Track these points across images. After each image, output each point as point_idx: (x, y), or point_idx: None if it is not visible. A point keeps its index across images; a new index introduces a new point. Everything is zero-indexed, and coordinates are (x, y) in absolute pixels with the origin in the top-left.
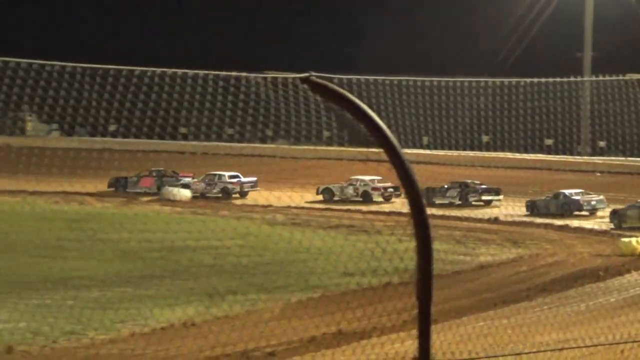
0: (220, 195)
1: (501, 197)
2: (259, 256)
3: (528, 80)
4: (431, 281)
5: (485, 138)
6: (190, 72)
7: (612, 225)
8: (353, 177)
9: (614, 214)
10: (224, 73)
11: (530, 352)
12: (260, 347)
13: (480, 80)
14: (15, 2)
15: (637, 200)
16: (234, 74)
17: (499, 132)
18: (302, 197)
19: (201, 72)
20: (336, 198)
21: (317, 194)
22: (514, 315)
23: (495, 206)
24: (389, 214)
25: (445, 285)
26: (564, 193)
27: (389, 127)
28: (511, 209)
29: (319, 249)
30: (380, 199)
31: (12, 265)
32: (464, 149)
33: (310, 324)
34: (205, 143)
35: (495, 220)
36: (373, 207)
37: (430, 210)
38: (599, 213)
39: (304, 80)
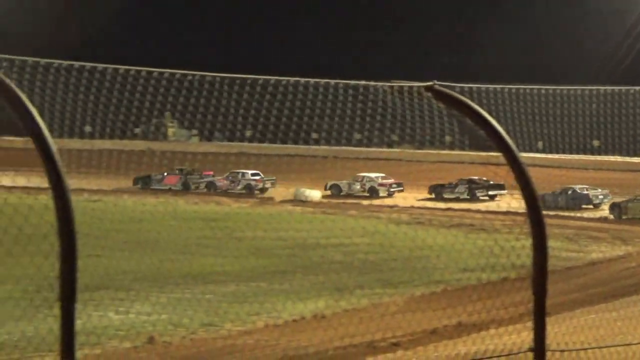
0: (244, 191)
1: (505, 192)
2: (385, 253)
3: (638, 88)
4: (546, 276)
5: (596, 142)
6: (322, 80)
7: (612, 217)
8: (359, 174)
9: (613, 207)
10: (354, 82)
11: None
12: (385, 338)
13: (593, 89)
14: (151, 18)
15: (637, 194)
16: (363, 83)
17: (610, 137)
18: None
19: (332, 81)
20: (343, 193)
21: (326, 189)
22: (623, 308)
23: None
24: (506, 213)
25: (558, 280)
26: (573, 188)
27: (507, 132)
28: (516, 202)
29: (441, 246)
30: (385, 194)
31: (155, 262)
32: (577, 153)
33: (432, 316)
34: (336, 147)
35: (606, 220)
36: (492, 207)
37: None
38: (603, 206)
39: (429, 88)
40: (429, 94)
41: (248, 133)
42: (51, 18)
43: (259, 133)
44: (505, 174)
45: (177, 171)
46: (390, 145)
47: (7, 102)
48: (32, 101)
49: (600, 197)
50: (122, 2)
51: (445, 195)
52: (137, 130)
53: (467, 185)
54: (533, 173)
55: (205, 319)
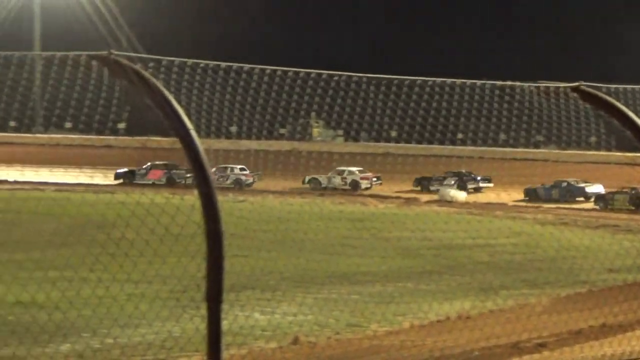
0: (232, 186)
1: (492, 184)
2: (531, 253)
3: None
4: None
5: None
6: (468, 81)
7: (597, 208)
8: (338, 168)
9: (599, 199)
10: (500, 83)
11: None
12: (531, 338)
13: None
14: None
15: (623, 187)
16: (509, 83)
17: None
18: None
19: (478, 82)
20: (323, 186)
21: (304, 183)
22: None
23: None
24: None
25: None
26: (567, 181)
27: None
28: (506, 195)
29: (586, 247)
30: (368, 186)
31: (301, 262)
32: None
33: (577, 317)
34: (482, 148)
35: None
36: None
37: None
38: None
39: (575, 89)
40: (575, 95)
41: (393, 133)
42: (198, 18)
43: (406, 134)
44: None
45: (161, 166)
46: (536, 146)
47: (154, 103)
48: (179, 102)
49: (594, 190)
50: (268, 1)
51: (433, 188)
52: (282, 131)
53: (456, 178)
54: None
55: (351, 319)
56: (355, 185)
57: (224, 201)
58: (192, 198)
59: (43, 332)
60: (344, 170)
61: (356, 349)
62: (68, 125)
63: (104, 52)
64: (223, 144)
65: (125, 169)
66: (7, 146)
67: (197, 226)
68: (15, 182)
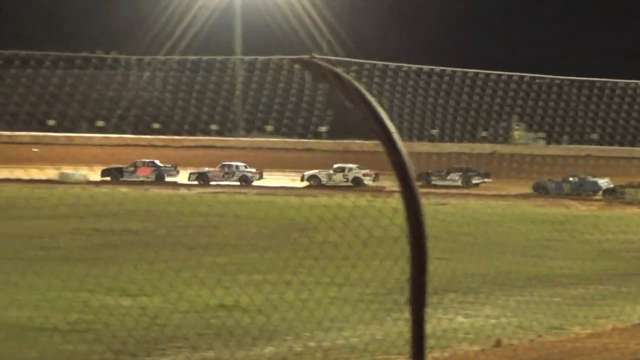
0: (237, 182)
1: (491, 179)
2: None
3: None
4: None
5: None
6: None
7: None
8: (336, 165)
9: (606, 192)
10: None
11: None
12: None
13: None
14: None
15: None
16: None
17: None
18: None
19: None
20: (323, 183)
21: (302, 180)
22: None
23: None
24: None
25: None
26: (578, 175)
27: None
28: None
29: None
30: (371, 183)
31: (502, 264)
32: None
33: None
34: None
35: None
36: None
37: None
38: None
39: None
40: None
41: (594, 136)
42: (397, 21)
43: (608, 136)
44: None
45: (149, 163)
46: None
47: (357, 106)
48: (381, 104)
49: (605, 184)
50: (468, 5)
51: (436, 183)
52: (484, 133)
53: (461, 173)
54: None
55: (553, 322)
56: (357, 181)
57: (427, 204)
58: (395, 201)
59: (246, 335)
60: (344, 167)
61: (558, 351)
62: (269, 128)
63: (306, 56)
64: (425, 146)
65: (112, 167)
66: (209, 149)
67: (400, 229)
68: (217, 186)
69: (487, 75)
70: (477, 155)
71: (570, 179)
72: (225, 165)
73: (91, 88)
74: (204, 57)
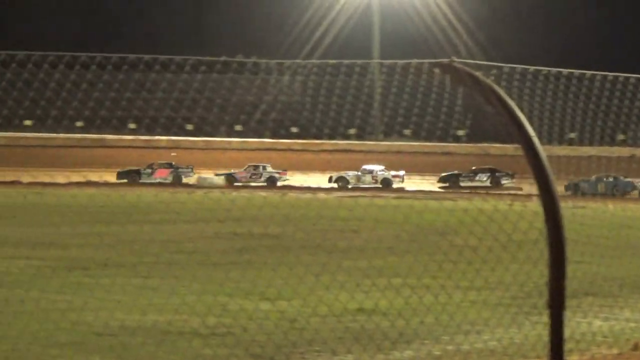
0: (265, 184)
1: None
2: None
3: None
4: None
5: None
6: None
7: None
8: (364, 166)
9: None
10: None
11: None
12: None
13: None
14: None
15: None
16: None
17: None
18: None
19: None
20: (350, 186)
21: (330, 182)
22: None
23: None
24: None
25: None
26: (612, 175)
27: None
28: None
29: None
30: (400, 185)
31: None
32: None
33: None
34: None
35: None
36: None
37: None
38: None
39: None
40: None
41: None
42: (537, 24)
43: None
44: None
45: (166, 165)
46: None
47: (495, 110)
48: (520, 108)
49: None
50: (611, 6)
51: (464, 184)
52: (622, 137)
53: (489, 174)
54: None
55: None
56: (387, 182)
57: (565, 207)
58: (534, 205)
59: (385, 339)
60: (372, 169)
61: None
62: (407, 132)
63: (446, 60)
64: (564, 150)
65: (128, 169)
66: (348, 153)
67: (539, 232)
68: (356, 189)
69: (627, 78)
70: (615, 159)
71: (609, 178)
72: (251, 166)
73: (231, 92)
74: (345, 61)
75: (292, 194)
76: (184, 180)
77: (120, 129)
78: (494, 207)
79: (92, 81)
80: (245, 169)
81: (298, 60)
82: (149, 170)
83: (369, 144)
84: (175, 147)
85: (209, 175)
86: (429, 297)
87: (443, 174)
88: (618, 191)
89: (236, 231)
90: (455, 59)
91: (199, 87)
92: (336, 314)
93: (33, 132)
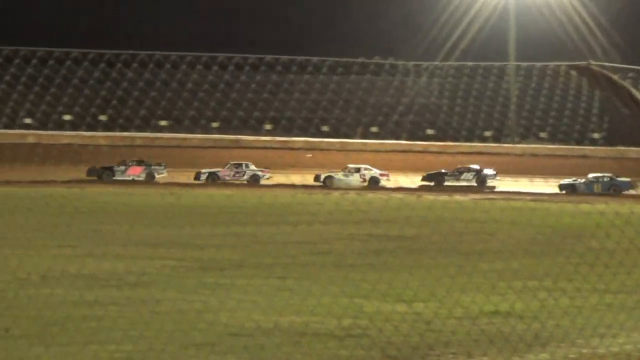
0: (245, 182)
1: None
2: None
3: None
4: None
5: None
6: None
7: None
8: (350, 165)
9: None
10: None
11: None
12: None
13: None
14: None
15: None
16: None
17: None
18: None
19: None
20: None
21: (318, 181)
22: None
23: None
24: None
25: None
26: (608, 175)
27: None
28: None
29: None
30: (388, 184)
31: None
32: None
33: None
34: None
35: None
36: None
37: None
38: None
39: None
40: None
41: None
42: None
43: None
44: None
45: (139, 162)
46: None
47: (635, 112)
48: None
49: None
50: None
51: (449, 184)
52: None
53: (474, 173)
54: None
55: None
56: (375, 181)
57: None
58: None
59: (521, 341)
60: (359, 168)
61: None
62: (544, 135)
63: (583, 62)
64: None
65: (102, 166)
66: (483, 156)
67: None
68: (493, 192)
69: None
70: None
71: (604, 178)
72: (234, 164)
73: (368, 94)
74: (482, 63)
75: (428, 196)
76: (157, 176)
77: (257, 129)
78: (630, 210)
79: (230, 82)
80: (227, 167)
81: (435, 62)
82: (123, 167)
83: (506, 146)
84: (312, 148)
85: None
86: (564, 299)
87: (427, 173)
88: (616, 191)
89: (372, 233)
90: (592, 62)
91: (336, 88)
92: (472, 316)
93: (170, 132)
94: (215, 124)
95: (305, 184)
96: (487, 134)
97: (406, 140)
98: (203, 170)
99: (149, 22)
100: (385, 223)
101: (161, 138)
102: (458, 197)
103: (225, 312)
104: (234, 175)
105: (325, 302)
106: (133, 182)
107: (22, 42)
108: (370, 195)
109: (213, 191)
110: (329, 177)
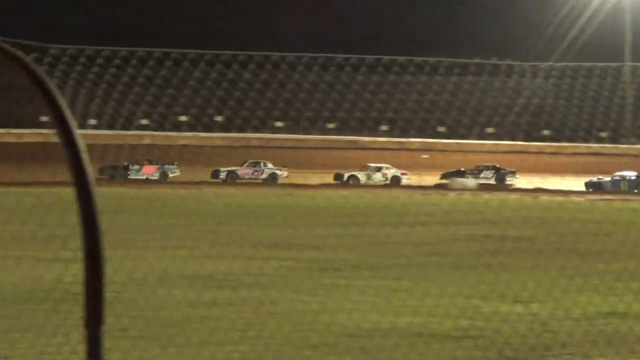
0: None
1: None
2: None
3: None
4: None
5: None
6: None
7: None
8: (371, 164)
9: None
10: None
11: None
12: None
13: None
14: None
15: None
16: None
17: None
18: None
19: None
20: (362, 183)
21: (342, 180)
22: None
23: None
24: None
25: None
26: (634, 174)
27: None
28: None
29: None
30: (408, 182)
31: None
32: None
33: None
34: None
35: None
36: None
37: None
38: None
39: None
40: None
41: None
42: None
43: None
44: None
45: (153, 161)
46: None
47: None
48: None
49: None
50: None
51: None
52: None
53: (493, 171)
54: None
55: None
56: (396, 180)
57: None
58: None
59: (638, 342)
60: (380, 167)
61: None
62: None
63: None
64: None
65: (113, 164)
66: (600, 157)
67: None
68: (609, 192)
69: None
70: None
71: (633, 177)
72: (252, 162)
73: (484, 94)
74: (599, 64)
75: (544, 197)
76: (170, 175)
77: (373, 130)
78: None
79: (347, 82)
80: (246, 166)
81: (551, 63)
82: (137, 167)
83: (622, 147)
84: (428, 149)
85: (460, 178)
86: None
87: (446, 171)
88: None
89: (489, 233)
90: None
91: (453, 89)
92: (589, 316)
93: (287, 133)
94: (331, 125)
95: (422, 185)
96: (603, 134)
97: (522, 141)
98: (222, 169)
99: (264, 23)
100: (502, 224)
101: (277, 139)
102: (575, 198)
103: (342, 313)
104: (252, 174)
105: (442, 303)
106: (249, 184)
107: (138, 43)
108: (486, 196)
109: (330, 192)
110: (352, 177)
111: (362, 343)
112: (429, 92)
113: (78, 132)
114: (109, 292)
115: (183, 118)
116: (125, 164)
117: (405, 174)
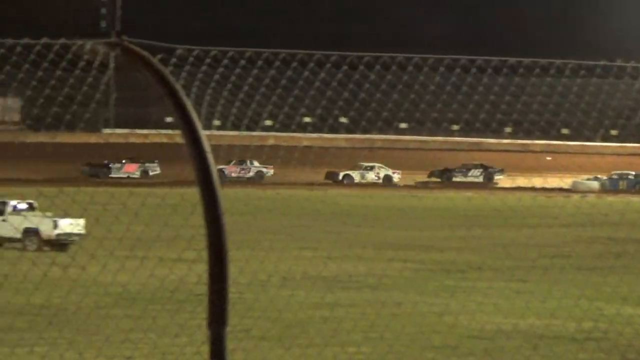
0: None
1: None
2: None
3: None
4: None
5: None
6: None
7: None
8: (363, 163)
9: None
10: None
11: None
12: None
13: None
14: None
15: None
16: None
17: None
18: None
19: None
20: (356, 182)
21: (337, 179)
22: None
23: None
24: None
25: None
26: (632, 173)
27: None
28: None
29: None
30: (398, 181)
31: None
32: None
33: None
34: None
35: None
36: None
37: None
38: None
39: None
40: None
41: None
42: None
43: None
44: None
45: (135, 159)
46: None
47: None
48: None
49: None
50: None
51: (457, 179)
52: None
53: (481, 169)
54: None
55: None
56: (388, 179)
57: None
58: None
59: None
60: (373, 166)
61: None
62: None
63: None
64: None
65: (99, 162)
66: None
67: None
68: None
69: None
70: None
71: (629, 176)
72: (239, 161)
73: (610, 96)
74: None
75: None
76: (151, 174)
77: (498, 132)
78: None
79: (473, 84)
80: (233, 164)
81: None
82: (118, 165)
83: None
84: (551, 151)
85: (583, 180)
86: None
87: (433, 170)
88: None
89: (613, 236)
90: None
91: (578, 91)
92: None
93: (411, 134)
94: (455, 127)
95: (545, 187)
96: None
97: None
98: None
99: (391, 24)
100: (626, 226)
101: (401, 140)
102: None
103: (465, 315)
104: (239, 172)
105: (566, 305)
106: (370, 185)
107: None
108: (610, 198)
109: (452, 194)
110: (347, 176)
111: (484, 345)
112: (555, 94)
113: (203, 133)
114: (232, 293)
115: (307, 119)
116: (106, 162)
117: (396, 172)
